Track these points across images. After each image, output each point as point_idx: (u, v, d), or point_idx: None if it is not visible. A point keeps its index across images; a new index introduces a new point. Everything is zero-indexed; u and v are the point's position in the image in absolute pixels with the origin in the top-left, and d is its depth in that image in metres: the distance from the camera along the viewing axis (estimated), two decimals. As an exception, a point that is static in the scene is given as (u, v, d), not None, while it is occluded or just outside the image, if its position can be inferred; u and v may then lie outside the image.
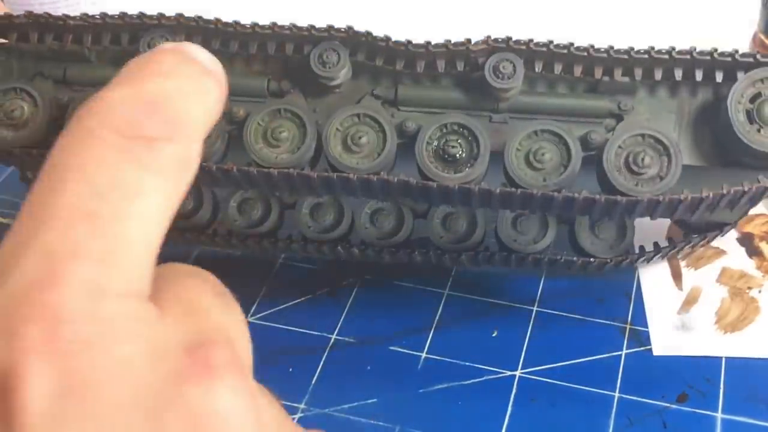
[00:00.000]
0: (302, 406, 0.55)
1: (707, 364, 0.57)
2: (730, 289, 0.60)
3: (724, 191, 0.48)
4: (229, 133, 0.52)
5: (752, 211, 0.58)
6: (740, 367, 0.56)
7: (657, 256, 0.58)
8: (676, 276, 0.61)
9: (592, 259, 0.56)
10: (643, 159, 0.49)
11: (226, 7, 0.54)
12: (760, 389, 0.55)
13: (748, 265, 0.62)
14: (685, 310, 0.59)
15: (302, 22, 0.51)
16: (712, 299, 0.60)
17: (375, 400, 0.55)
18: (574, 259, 0.56)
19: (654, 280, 0.61)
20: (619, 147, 0.49)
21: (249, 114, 0.51)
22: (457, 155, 0.49)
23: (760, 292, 0.60)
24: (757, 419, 0.53)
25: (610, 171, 0.49)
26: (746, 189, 0.48)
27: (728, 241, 0.63)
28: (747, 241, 0.63)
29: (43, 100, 0.52)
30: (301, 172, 0.49)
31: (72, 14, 0.52)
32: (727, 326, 0.58)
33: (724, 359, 0.57)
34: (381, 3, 0.77)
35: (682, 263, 0.62)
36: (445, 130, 0.50)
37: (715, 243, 0.61)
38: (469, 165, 0.50)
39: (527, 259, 0.56)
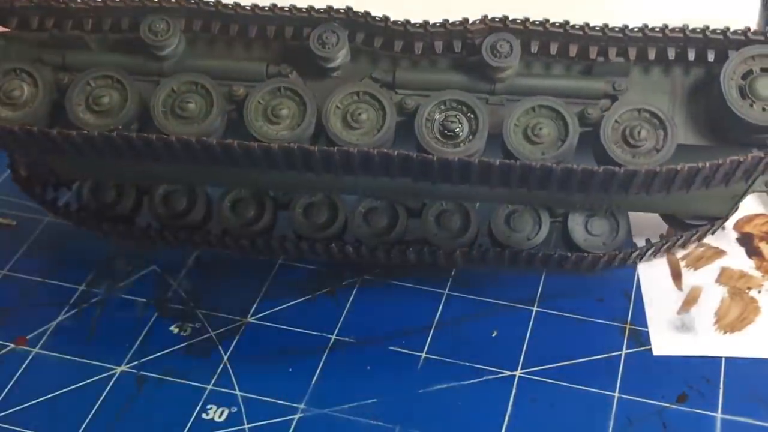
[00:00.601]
0: (302, 406, 0.54)
1: (707, 364, 0.56)
2: (730, 289, 0.60)
3: (720, 162, 0.48)
4: (228, 114, 0.52)
5: (752, 211, 0.59)
6: (740, 367, 0.56)
7: (649, 252, 0.58)
8: (676, 276, 0.61)
9: (585, 254, 0.56)
10: (639, 132, 0.49)
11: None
12: (760, 389, 0.55)
13: (748, 265, 0.62)
14: (685, 310, 0.59)
15: (301, 4, 0.52)
16: (712, 299, 0.60)
17: (375, 400, 0.55)
18: (568, 254, 0.56)
19: (654, 280, 0.61)
20: (616, 122, 0.50)
21: (249, 93, 0.51)
22: (457, 130, 0.50)
23: (759, 292, 0.60)
24: (757, 419, 0.53)
25: (608, 145, 0.49)
26: (741, 159, 0.48)
27: (728, 241, 0.63)
28: (747, 241, 0.63)
29: (43, 81, 0.52)
30: (301, 146, 0.49)
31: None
32: (726, 326, 0.58)
33: (724, 359, 0.56)
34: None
35: (682, 263, 0.62)
36: (444, 107, 0.50)
37: (714, 243, 0.61)
38: (468, 140, 0.50)
39: (521, 255, 0.56)
